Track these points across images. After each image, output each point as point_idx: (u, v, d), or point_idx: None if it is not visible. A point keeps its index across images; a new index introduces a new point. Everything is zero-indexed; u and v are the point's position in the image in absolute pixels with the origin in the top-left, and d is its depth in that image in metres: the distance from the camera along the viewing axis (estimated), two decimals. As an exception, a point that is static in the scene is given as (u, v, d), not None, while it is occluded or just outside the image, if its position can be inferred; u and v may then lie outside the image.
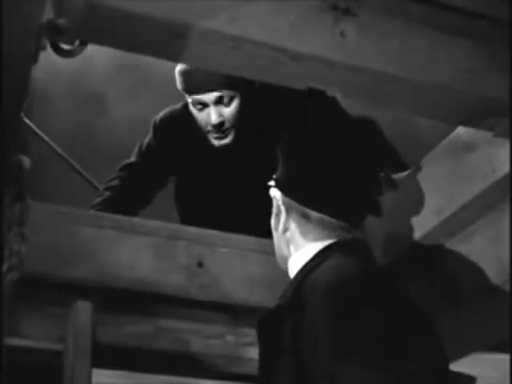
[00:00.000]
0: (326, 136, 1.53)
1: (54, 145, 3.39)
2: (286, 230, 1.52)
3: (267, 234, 1.63)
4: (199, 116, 2.23)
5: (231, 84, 2.12)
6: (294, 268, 1.48)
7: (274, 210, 1.55)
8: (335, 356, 1.20)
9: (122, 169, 2.43)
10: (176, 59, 1.65)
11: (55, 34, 1.27)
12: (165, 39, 1.32)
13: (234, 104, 2.19)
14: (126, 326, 1.79)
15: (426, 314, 1.35)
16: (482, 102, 1.49)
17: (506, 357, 1.95)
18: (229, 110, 2.19)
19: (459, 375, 1.97)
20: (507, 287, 1.68)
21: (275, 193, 1.55)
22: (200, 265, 1.85)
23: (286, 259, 1.53)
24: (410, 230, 1.81)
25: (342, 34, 1.39)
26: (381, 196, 1.81)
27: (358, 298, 1.26)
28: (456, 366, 1.86)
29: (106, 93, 3.93)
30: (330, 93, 1.52)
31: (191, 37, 1.31)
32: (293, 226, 1.51)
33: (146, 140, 2.42)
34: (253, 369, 1.44)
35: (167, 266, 1.82)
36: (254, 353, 1.45)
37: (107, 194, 2.39)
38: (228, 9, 1.31)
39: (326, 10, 1.39)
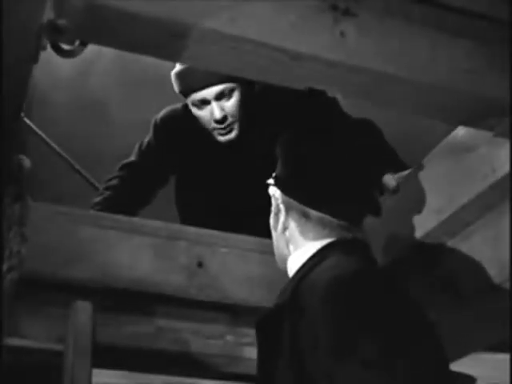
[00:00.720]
0: (325, 135, 1.52)
1: (54, 145, 3.39)
2: (285, 229, 1.51)
3: (267, 233, 1.63)
4: (201, 114, 2.22)
5: (230, 76, 2.12)
6: (293, 267, 1.47)
7: (273, 208, 1.55)
8: (334, 355, 1.20)
9: (121, 168, 2.43)
10: (176, 59, 1.65)
11: (55, 34, 1.27)
12: (165, 39, 1.32)
13: (235, 97, 2.19)
14: (125, 325, 1.79)
15: (425, 313, 1.35)
16: (482, 102, 1.49)
17: (506, 357, 1.95)
18: (230, 104, 2.19)
19: (459, 375, 1.97)
20: (507, 287, 1.68)
21: (274, 191, 1.54)
22: (200, 265, 1.85)
23: (285, 258, 1.52)
24: (411, 229, 1.81)
25: (342, 34, 1.39)
26: (381, 196, 1.82)
27: (357, 298, 1.26)
28: (456, 366, 1.86)
29: (106, 93, 3.93)
30: (330, 93, 1.52)
31: (191, 37, 1.31)
32: (292, 225, 1.50)
33: (147, 139, 2.42)
34: (253, 369, 1.43)
35: (167, 266, 1.82)
36: (253, 353, 1.45)
37: (107, 193, 2.39)
38: (228, 9, 1.31)
39: (325, 10, 1.39)
